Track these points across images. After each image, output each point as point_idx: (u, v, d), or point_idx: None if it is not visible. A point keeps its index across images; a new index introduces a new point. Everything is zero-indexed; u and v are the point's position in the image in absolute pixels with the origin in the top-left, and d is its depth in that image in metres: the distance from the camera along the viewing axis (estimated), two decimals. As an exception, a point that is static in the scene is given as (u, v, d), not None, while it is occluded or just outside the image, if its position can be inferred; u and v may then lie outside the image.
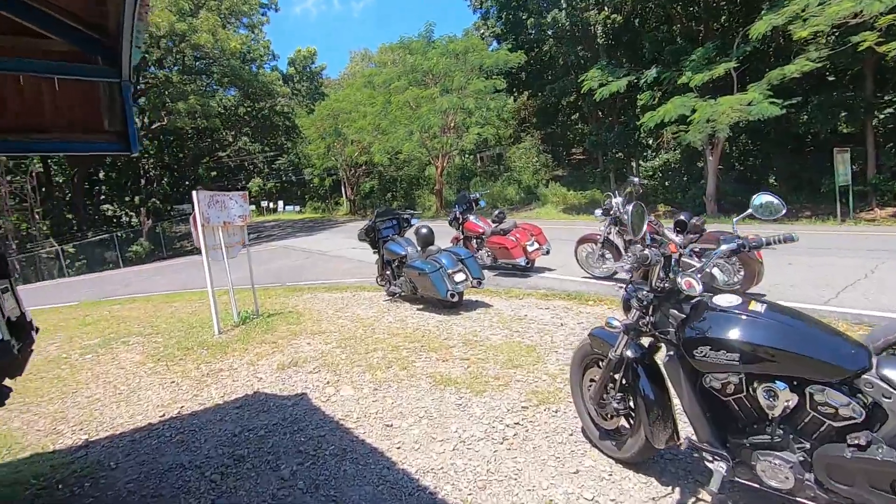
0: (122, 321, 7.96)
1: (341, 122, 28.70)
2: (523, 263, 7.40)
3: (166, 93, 25.75)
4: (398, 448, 2.88)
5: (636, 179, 6.14)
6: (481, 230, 8.10)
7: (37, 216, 32.18)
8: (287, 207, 50.91)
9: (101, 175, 36.56)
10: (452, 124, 23.05)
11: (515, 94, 27.58)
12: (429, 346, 4.68)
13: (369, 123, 24.92)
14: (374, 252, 7.33)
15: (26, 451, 3.41)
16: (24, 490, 2.77)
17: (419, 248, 6.59)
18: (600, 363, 2.56)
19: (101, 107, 3.22)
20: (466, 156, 31.06)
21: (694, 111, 13.53)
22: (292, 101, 37.37)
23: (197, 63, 27.93)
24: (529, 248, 7.43)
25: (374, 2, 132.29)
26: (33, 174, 32.61)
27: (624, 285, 2.80)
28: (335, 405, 3.61)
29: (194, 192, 5.93)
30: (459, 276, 5.91)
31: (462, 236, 8.47)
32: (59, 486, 2.82)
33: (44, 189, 32.98)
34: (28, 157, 29.04)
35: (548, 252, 7.68)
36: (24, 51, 2.81)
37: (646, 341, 2.34)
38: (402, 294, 6.73)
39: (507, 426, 2.99)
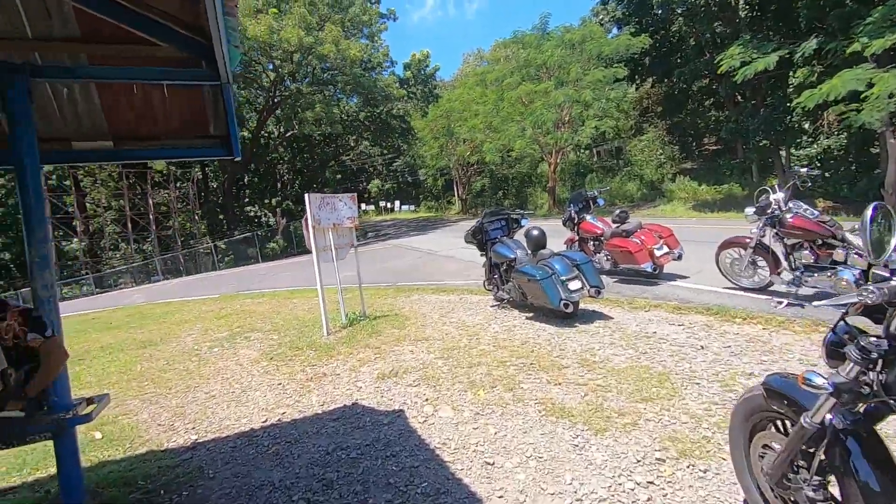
0: (249, 316, 8.55)
1: (453, 122, 28.92)
2: (650, 269, 6.48)
3: (297, 104, 28.08)
4: (500, 497, 2.42)
5: (804, 170, 4.97)
6: (599, 231, 7.29)
7: (196, 217, 37.33)
8: (403, 207, 53.06)
9: (246, 180, 41.19)
10: (567, 118, 21.90)
11: (638, 82, 25.46)
12: (538, 364, 4.15)
13: (481, 122, 24.71)
14: (482, 254, 6.95)
15: (144, 446, 3.57)
16: (130, 492, 2.82)
17: (529, 252, 6.06)
18: (779, 424, 1.86)
19: (206, 111, 3.22)
20: (582, 151, 29.51)
21: (871, 85, 11.07)
22: (408, 105, 38.70)
23: (324, 74, 30.09)
24: (657, 253, 6.48)
25: (488, 3, 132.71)
26: (194, 181, 37.89)
27: (783, 300, 2.05)
28: (432, 429, 3.26)
29: (306, 195, 6.05)
30: (575, 284, 5.27)
31: (577, 238, 7.74)
32: (162, 492, 2.84)
33: (202, 193, 38.13)
34: (183, 162, 33.55)
35: (680, 257, 6.65)
36: (135, 59, 2.86)
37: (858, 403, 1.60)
38: (511, 300, 6.26)
39: (638, 485, 2.38)
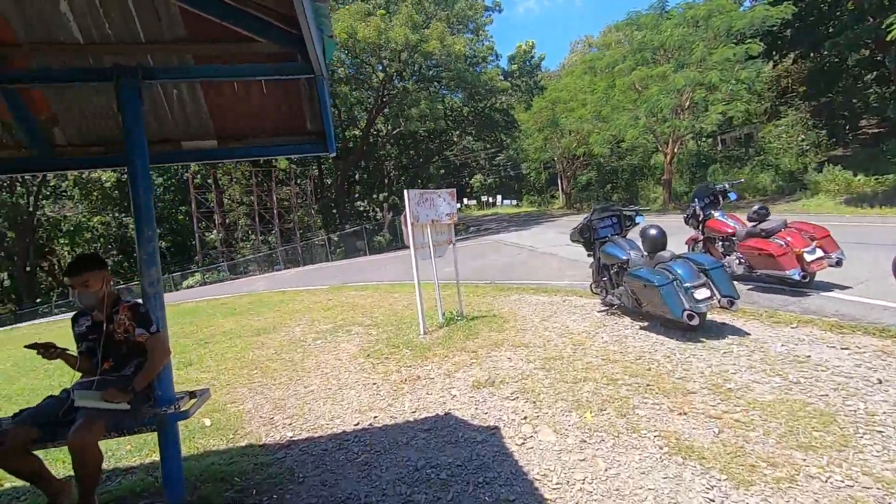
0: (353, 308, 8.79)
1: (559, 113, 27.82)
2: (797, 277, 5.42)
3: (404, 102, 28.90)
4: (612, 558, 2.01)
5: None
6: (731, 230, 6.31)
7: (313, 211, 40.35)
8: (504, 202, 52.69)
9: (357, 177, 43.57)
10: (688, 104, 19.90)
11: (776, 59, 22.32)
12: (658, 386, 3.58)
13: (589, 112, 23.43)
14: (589, 254, 6.37)
15: (245, 439, 3.66)
16: (225, 490, 2.85)
17: (646, 253, 5.38)
18: None
19: (303, 107, 3.16)
20: (703, 139, 26.71)
21: None
22: (512, 98, 38.11)
23: (429, 71, 30.63)
24: (808, 257, 5.41)
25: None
26: (311, 178, 40.94)
27: None
28: (531, 455, 2.90)
29: (405, 192, 5.96)
30: (702, 293, 4.53)
31: (702, 237, 6.80)
32: (254, 492, 2.83)
33: (318, 190, 41.06)
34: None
35: (839, 263, 5.49)
36: (235, 56, 2.85)
37: None
38: (621, 306, 5.63)
39: (804, 572, 1.82)
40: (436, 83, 32.05)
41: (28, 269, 33.39)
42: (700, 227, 6.79)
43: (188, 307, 14.20)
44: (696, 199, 6.87)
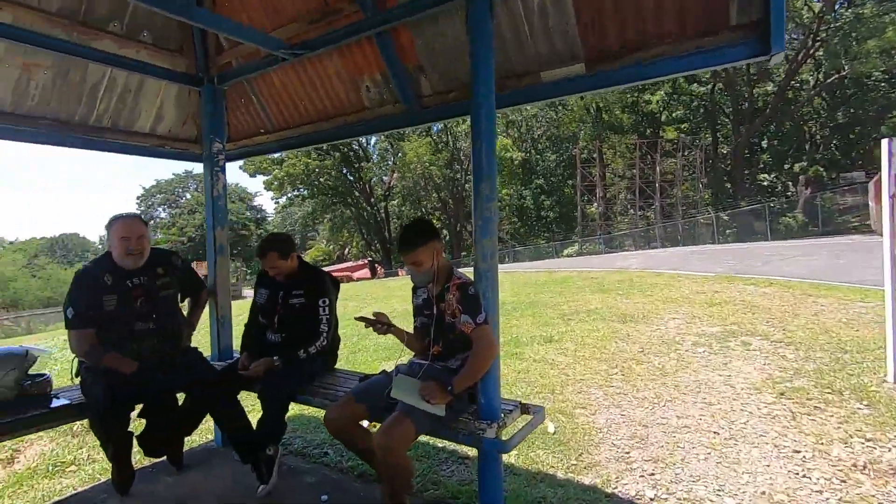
0: (750, 310, 6.63)
1: None
2: None
3: (852, 35, 21.14)
4: None
5: None
6: None
7: (701, 186, 36.01)
8: None
9: (764, 143, 35.95)
10: None
11: None
12: None
13: None
14: None
15: (590, 473, 2.74)
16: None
17: None
18: None
19: (728, -20, 1.82)
20: None
21: None
22: None
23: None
24: None
25: None
26: (702, 147, 36.35)
27: None
28: None
29: (885, 142, 3.59)
30: None
31: None
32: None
33: (710, 161, 36.20)
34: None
35: None
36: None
37: None
38: None
39: None
40: (913, -2, 21.99)
41: (458, 228, 43.40)
42: None
43: (561, 276, 14.63)
44: None
